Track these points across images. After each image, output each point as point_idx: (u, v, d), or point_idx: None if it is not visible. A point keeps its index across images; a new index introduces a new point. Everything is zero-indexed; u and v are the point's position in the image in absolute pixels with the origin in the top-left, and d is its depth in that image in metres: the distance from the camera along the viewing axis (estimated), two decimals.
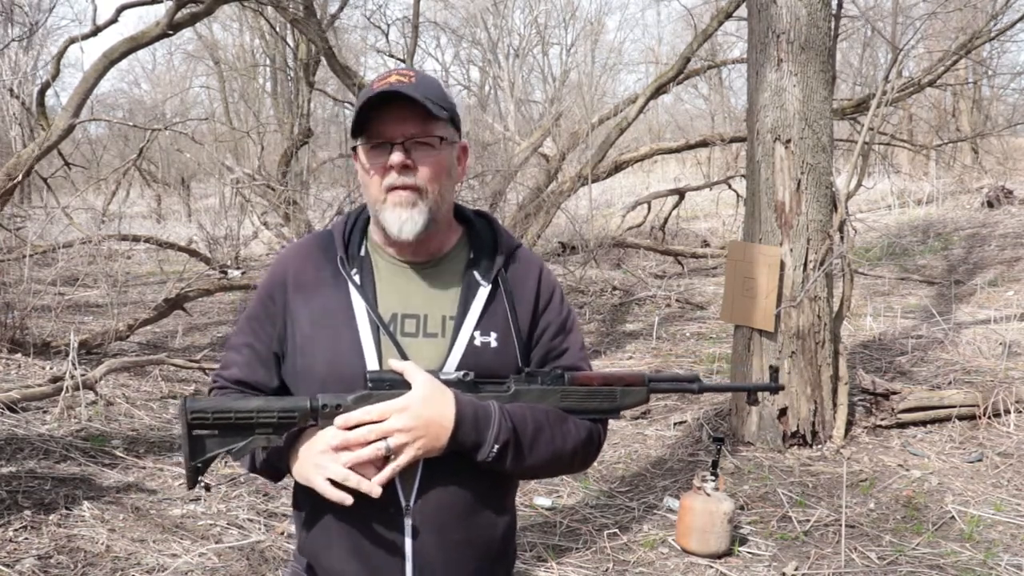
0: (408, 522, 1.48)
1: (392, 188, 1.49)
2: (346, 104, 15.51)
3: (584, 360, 1.63)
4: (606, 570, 3.66)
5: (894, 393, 5.11)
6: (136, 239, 10.83)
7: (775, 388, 1.75)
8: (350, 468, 1.41)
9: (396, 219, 1.50)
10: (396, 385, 1.44)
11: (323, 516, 1.53)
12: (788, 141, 4.79)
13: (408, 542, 1.49)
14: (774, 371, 1.77)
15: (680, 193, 12.39)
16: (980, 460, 4.68)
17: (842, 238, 4.96)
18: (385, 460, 1.43)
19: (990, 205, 13.25)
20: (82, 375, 5.45)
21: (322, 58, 10.42)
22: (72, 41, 9.51)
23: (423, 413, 1.41)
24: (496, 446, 1.45)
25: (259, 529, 3.90)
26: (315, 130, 17.83)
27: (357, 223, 1.63)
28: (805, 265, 4.82)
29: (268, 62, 21.09)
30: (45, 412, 5.31)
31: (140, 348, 7.73)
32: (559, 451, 1.52)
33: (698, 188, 13.09)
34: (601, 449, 1.63)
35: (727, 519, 3.71)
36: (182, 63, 25.94)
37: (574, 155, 11.26)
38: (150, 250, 12.70)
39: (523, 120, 22.00)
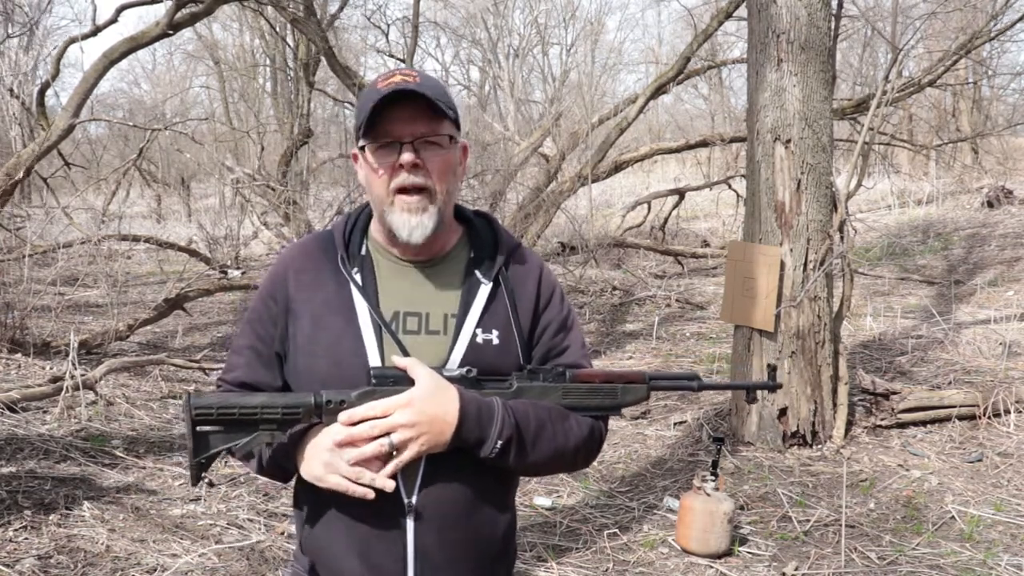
0: (410, 519, 1.49)
1: (401, 189, 1.49)
2: (346, 104, 15.51)
3: (585, 358, 1.64)
4: (606, 570, 3.66)
5: (894, 393, 5.11)
6: (136, 239, 10.83)
7: (773, 386, 1.76)
8: (354, 464, 1.41)
9: (405, 224, 1.50)
10: (399, 381, 1.45)
11: (324, 514, 1.53)
12: (788, 141, 4.79)
13: (410, 539, 1.49)
14: (772, 369, 1.78)
15: (680, 193, 12.39)
16: (980, 460, 4.68)
17: (842, 238, 4.96)
18: (388, 456, 1.43)
19: (990, 205, 13.25)
20: (82, 375, 5.45)
21: (322, 58, 10.43)
22: (72, 41, 9.51)
23: (427, 409, 1.41)
24: (499, 442, 1.45)
25: (259, 529, 3.90)
26: (315, 130, 17.83)
27: (358, 223, 1.64)
28: (805, 265, 4.81)
29: (268, 62, 21.11)
30: (45, 412, 5.31)
31: (140, 348, 7.73)
32: (561, 448, 1.53)
33: (698, 188, 13.09)
34: (602, 446, 1.64)
35: (727, 519, 3.71)
36: (182, 63, 25.97)
37: (574, 155, 11.26)
38: (150, 250, 12.70)
39: (523, 120, 22.01)
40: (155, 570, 3.44)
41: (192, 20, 8.36)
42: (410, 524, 1.49)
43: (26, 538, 3.59)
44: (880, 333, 7.53)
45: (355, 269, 1.56)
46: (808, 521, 4.07)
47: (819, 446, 4.87)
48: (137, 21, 42.87)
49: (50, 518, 3.77)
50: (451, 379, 1.46)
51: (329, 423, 1.45)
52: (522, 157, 11.72)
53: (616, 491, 4.51)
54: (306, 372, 1.53)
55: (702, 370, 6.63)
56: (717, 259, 11.31)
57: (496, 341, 1.54)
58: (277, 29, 16.44)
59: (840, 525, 3.90)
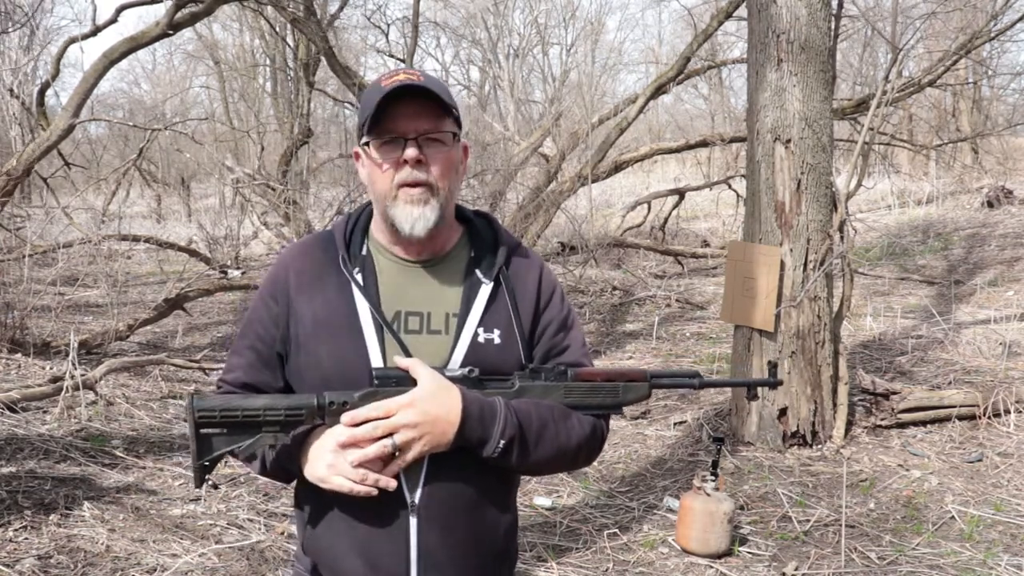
0: (413, 518, 1.49)
1: (404, 184, 1.50)
2: (346, 104, 15.51)
3: (586, 356, 1.64)
4: (606, 570, 3.66)
5: (894, 393, 5.11)
6: (136, 239, 10.83)
7: (774, 383, 1.76)
8: (357, 465, 1.42)
9: (408, 216, 1.50)
10: (402, 382, 1.45)
11: (326, 514, 1.53)
12: (788, 141, 4.79)
13: (413, 538, 1.49)
14: (772, 366, 1.78)
15: (680, 193, 12.39)
16: (980, 460, 4.68)
17: (842, 238, 4.96)
18: (391, 457, 1.43)
19: (990, 205, 13.25)
20: (82, 375, 5.45)
21: (322, 58, 10.43)
22: (72, 41, 9.52)
23: (429, 409, 1.42)
24: (502, 442, 1.45)
25: (259, 529, 3.90)
26: (315, 130, 17.84)
27: (358, 223, 1.64)
28: (805, 265, 4.82)
29: (268, 62, 21.11)
30: (45, 412, 5.31)
31: (140, 348, 7.73)
32: (564, 446, 1.53)
33: (698, 188, 13.10)
34: (604, 445, 1.64)
35: (727, 519, 3.71)
36: (182, 63, 25.97)
37: (574, 155, 11.26)
38: (150, 250, 12.70)
39: (523, 120, 22.02)
40: (155, 570, 3.44)
41: (192, 20, 8.36)
42: (413, 523, 1.49)
43: (26, 538, 3.59)
44: (880, 333, 7.53)
45: (356, 269, 1.56)
46: (808, 521, 4.07)
47: (819, 446, 4.87)
48: (137, 21, 42.90)
49: (50, 518, 3.77)
50: (453, 379, 1.47)
51: (332, 424, 1.45)
52: (522, 157, 11.72)
53: (616, 491, 4.51)
54: (308, 373, 1.53)
55: (702, 370, 6.63)
56: (717, 259, 11.31)
57: (498, 340, 1.54)
58: (277, 29, 16.44)
59: (840, 525, 3.90)
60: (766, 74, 4.83)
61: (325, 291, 1.56)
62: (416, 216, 1.50)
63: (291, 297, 1.57)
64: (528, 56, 28.34)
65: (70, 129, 7.84)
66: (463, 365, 1.50)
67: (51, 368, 6.29)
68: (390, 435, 1.41)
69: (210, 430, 1.43)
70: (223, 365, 1.78)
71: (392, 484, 1.44)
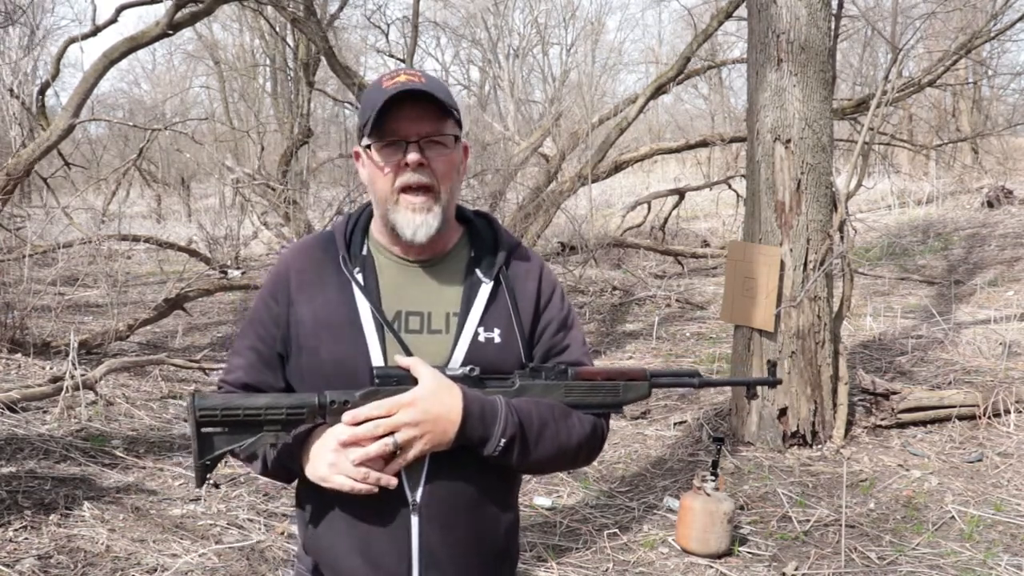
0: (414, 517, 1.49)
1: (406, 187, 1.50)
2: (346, 104, 15.52)
3: (586, 356, 1.64)
4: (606, 570, 3.66)
5: (894, 393, 5.11)
6: (136, 239, 10.83)
7: (773, 382, 1.77)
8: (359, 464, 1.42)
9: (410, 222, 1.51)
10: (403, 381, 1.45)
11: (328, 514, 1.54)
12: (788, 141, 4.79)
13: (414, 537, 1.49)
14: (772, 365, 1.79)
15: (680, 193, 12.39)
16: (980, 460, 4.68)
17: (842, 238, 4.96)
18: (392, 455, 1.43)
19: (990, 205, 13.25)
20: (82, 375, 5.45)
21: (322, 58, 10.43)
22: (72, 41, 9.52)
23: (430, 408, 1.42)
24: (503, 440, 1.46)
25: (259, 529, 3.90)
26: (315, 130, 17.84)
27: (358, 223, 1.64)
28: (805, 265, 4.82)
29: (268, 62, 21.12)
30: (45, 412, 5.31)
31: (140, 348, 7.73)
32: (564, 445, 1.54)
33: (698, 188, 13.10)
34: (604, 443, 1.64)
35: (727, 519, 3.71)
36: (182, 63, 25.97)
37: (574, 155, 11.26)
38: (150, 250, 12.70)
39: (523, 120, 22.02)
40: (155, 570, 3.44)
41: (192, 20, 8.37)
42: (414, 522, 1.49)
43: (26, 538, 3.59)
44: (880, 333, 7.53)
45: (357, 269, 1.56)
46: (808, 521, 4.07)
47: (819, 446, 4.87)
48: (137, 21, 42.91)
49: (50, 518, 3.77)
50: (454, 378, 1.47)
51: (333, 423, 1.45)
52: (522, 157, 11.72)
53: (616, 491, 4.51)
54: (309, 372, 1.53)
55: (702, 370, 6.63)
56: (717, 259, 11.31)
57: (498, 340, 1.55)
58: (277, 29, 16.44)
59: (840, 525, 3.90)
60: (766, 74, 4.83)
61: (326, 291, 1.56)
62: (418, 223, 1.51)
63: (292, 297, 1.57)
64: (528, 56, 28.36)
65: (70, 129, 7.84)
66: (464, 364, 1.50)
67: (51, 368, 6.29)
68: (391, 434, 1.42)
69: (211, 429, 1.43)
70: (223, 365, 1.79)
71: (393, 483, 1.44)
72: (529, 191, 10.77)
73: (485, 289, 1.57)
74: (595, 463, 4.63)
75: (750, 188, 5.07)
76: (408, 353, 1.49)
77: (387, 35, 17.96)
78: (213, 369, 6.42)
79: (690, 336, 8.07)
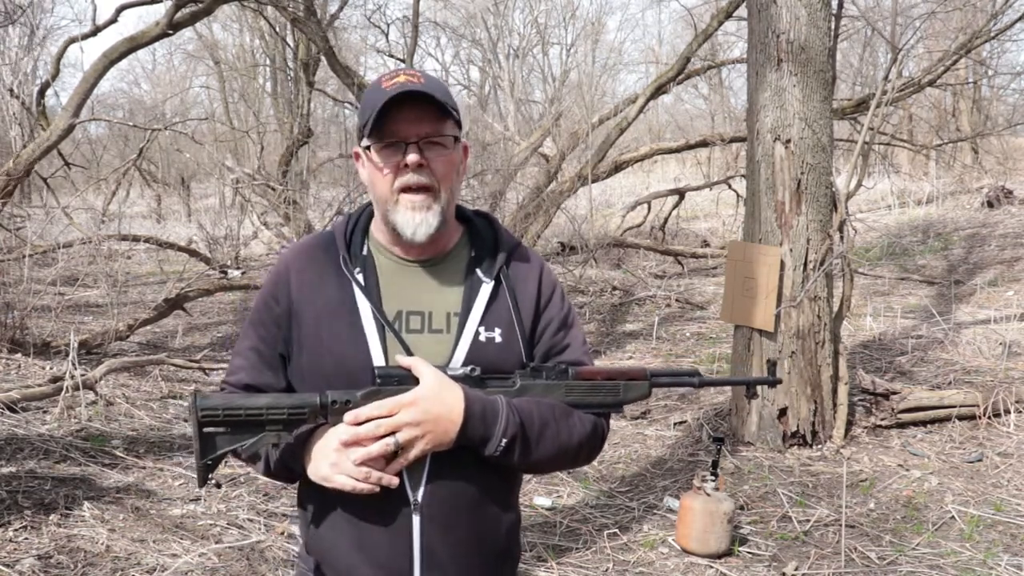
0: (416, 516, 1.49)
1: (405, 188, 1.50)
2: (346, 104, 15.52)
3: (586, 355, 1.65)
4: (606, 570, 3.66)
5: (894, 393, 5.11)
6: (136, 239, 10.84)
7: (773, 382, 1.77)
8: (360, 463, 1.42)
9: (410, 221, 1.51)
10: (404, 381, 1.45)
11: (329, 514, 1.54)
12: (788, 141, 4.79)
13: (416, 537, 1.50)
14: (771, 364, 1.79)
15: (680, 193, 12.39)
16: (980, 460, 4.68)
17: (842, 238, 4.96)
18: (394, 455, 1.44)
19: (990, 205, 13.25)
20: (82, 375, 5.45)
21: (322, 58, 10.43)
22: (72, 41, 9.53)
23: (432, 408, 1.42)
24: (504, 440, 1.46)
25: (259, 529, 3.90)
26: (315, 130, 17.84)
27: (358, 223, 1.64)
28: (805, 265, 4.82)
29: (268, 62, 21.10)
30: (45, 412, 5.31)
31: (140, 348, 7.73)
32: (565, 445, 1.54)
33: (698, 188, 13.10)
34: (605, 443, 1.65)
35: (727, 519, 3.71)
36: (182, 63, 25.96)
37: (574, 155, 11.26)
38: (150, 250, 12.70)
39: (523, 120, 22.02)
40: (155, 570, 3.44)
41: (192, 20, 8.37)
42: (416, 521, 1.49)
43: (26, 538, 3.59)
44: (880, 333, 7.53)
45: (357, 269, 1.57)
46: (808, 521, 4.07)
47: (819, 446, 4.87)
48: (137, 21, 42.88)
49: (50, 518, 3.77)
50: (455, 378, 1.47)
51: (335, 423, 1.46)
52: (522, 157, 11.72)
53: (616, 491, 4.51)
54: (310, 373, 1.54)
55: (702, 370, 6.62)
56: (717, 259, 11.31)
57: (499, 339, 1.55)
58: (277, 29, 16.43)
59: (840, 525, 3.90)
60: (766, 74, 4.83)
61: (326, 291, 1.56)
62: (418, 222, 1.51)
63: (292, 298, 1.57)
64: (528, 56, 28.35)
65: (70, 129, 7.84)
66: (464, 364, 1.51)
67: (51, 368, 6.29)
68: (393, 433, 1.42)
69: (213, 429, 1.43)
70: (223, 365, 1.79)
71: (395, 482, 1.44)
72: (529, 191, 10.77)
73: (486, 289, 1.57)
74: (595, 463, 4.64)
75: (750, 188, 5.07)
76: (409, 353, 1.50)
77: (387, 35, 17.97)
78: (213, 369, 6.42)
79: (690, 336, 8.07)
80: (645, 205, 12.75)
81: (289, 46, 17.14)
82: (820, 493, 4.37)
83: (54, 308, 8.24)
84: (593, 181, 10.06)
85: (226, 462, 4.25)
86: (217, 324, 9.05)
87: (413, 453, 1.44)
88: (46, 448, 4.66)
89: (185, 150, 17.56)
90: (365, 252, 1.60)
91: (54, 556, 3.46)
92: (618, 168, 10.75)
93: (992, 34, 9.95)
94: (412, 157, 1.48)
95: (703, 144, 11.48)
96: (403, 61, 14.05)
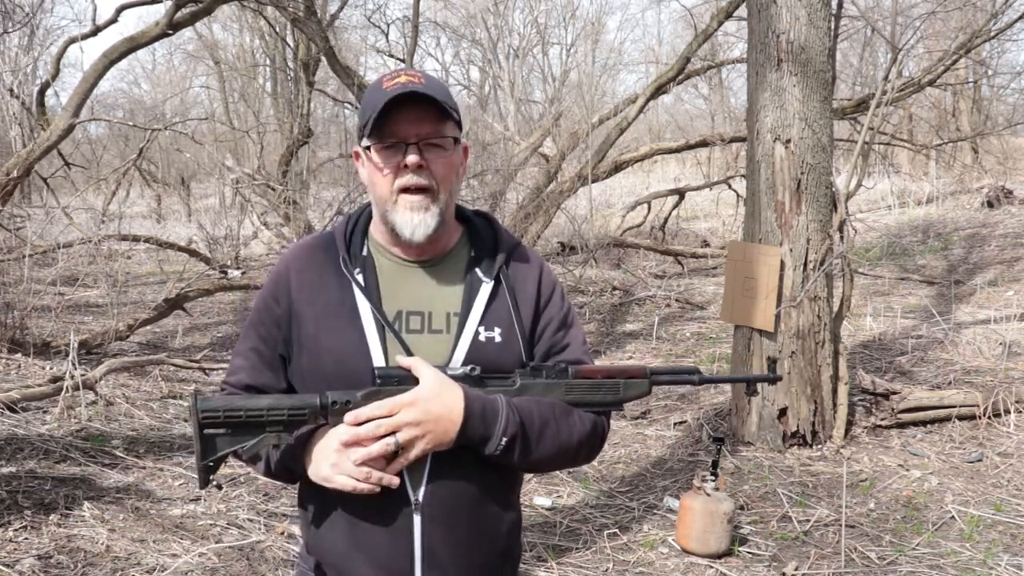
0: (416, 517, 1.49)
1: (404, 189, 1.50)
2: (346, 104, 15.52)
3: (586, 354, 1.65)
4: (606, 570, 3.66)
5: (894, 393, 5.11)
6: (136, 239, 10.84)
7: (773, 379, 1.77)
8: (361, 464, 1.42)
9: (408, 222, 1.51)
10: (404, 381, 1.46)
11: (330, 513, 1.54)
12: (788, 141, 4.79)
13: (416, 537, 1.50)
14: (772, 362, 1.80)
15: (680, 193, 12.39)
16: (980, 460, 4.68)
17: (842, 238, 4.96)
18: (394, 455, 1.44)
19: (990, 205, 13.25)
20: (82, 375, 5.45)
21: (322, 58, 10.43)
22: (72, 41, 9.53)
23: (432, 407, 1.43)
24: (504, 439, 1.46)
25: (259, 529, 3.90)
26: (315, 130, 17.84)
27: (358, 224, 1.65)
28: (805, 265, 4.82)
29: (268, 62, 21.10)
30: (45, 412, 5.31)
31: (140, 348, 7.73)
32: (565, 444, 1.54)
33: (698, 188, 13.10)
34: (605, 442, 1.65)
35: (727, 519, 3.71)
36: (182, 63, 25.96)
37: (574, 155, 11.26)
38: (150, 250, 12.70)
39: (523, 120, 22.02)
40: (155, 570, 3.44)
41: (192, 20, 8.37)
42: (416, 521, 1.49)
43: (26, 538, 3.59)
44: (880, 333, 7.53)
45: (357, 270, 1.57)
46: (808, 521, 4.07)
47: (819, 446, 4.87)
48: (137, 21, 42.90)
49: (50, 518, 3.78)
50: (455, 377, 1.48)
51: (335, 424, 1.46)
52: (522, 157, 11.73)
53: (616, 491, 4.51)
54: (310, 373, 1.54)
55: (702, 370, 6.62)
56: (717, 259, 11.31)
57: (498, 339, 1.55)
58: (277, 29, 16.44)
59: (840, 525, 3.90)
60: (766, 74, 4.83)
61: (326, 292, 1.56)
62: (416, 222, 1.51)
63: (292, 298, 1.58)
64: (528, 56, 28.35)
65: (70, 129, 7.85)
66: (464, 364, 1.51)
67: (51, 368, 6.29)
68: (393, 433, 1.42)
69: (214, 430, 1.44)
70: (223, 365, 1.79)
71: (395, 482, 1.45)
72: (529, 191, 10.77)
73: (485, 289, 1.57)
74: (595, 463, 4.64)
75: (750, 188, 5.07)
76: (409, 353, 1.50)
77: (387, 35, 17.99)
78: (213, 369, 6.42)
79: (690, 336, 8.07)
80: (645, 205, 12.75)
81: (289, 46, 17.14)
82: (820, 493, 4.37)
83: (54, 308, 8.25)
84: (593, 181, 10.06)
85: (227, 463, 4.25)
86: (217, 324, 9.05)
87: (413, 453, 1.44)
88: (46, 448, 4.66)
89: (185, 150, 17.56)
90: (365, 252, 1.60)
91: (54, 556, 3.46)
92: (618, 168, 10.75)
93: (992, 34, 9.95)
94: (412, 158, 1.48)
95: (703, 144, 11.48)
96: (403, 61, 14.06)
